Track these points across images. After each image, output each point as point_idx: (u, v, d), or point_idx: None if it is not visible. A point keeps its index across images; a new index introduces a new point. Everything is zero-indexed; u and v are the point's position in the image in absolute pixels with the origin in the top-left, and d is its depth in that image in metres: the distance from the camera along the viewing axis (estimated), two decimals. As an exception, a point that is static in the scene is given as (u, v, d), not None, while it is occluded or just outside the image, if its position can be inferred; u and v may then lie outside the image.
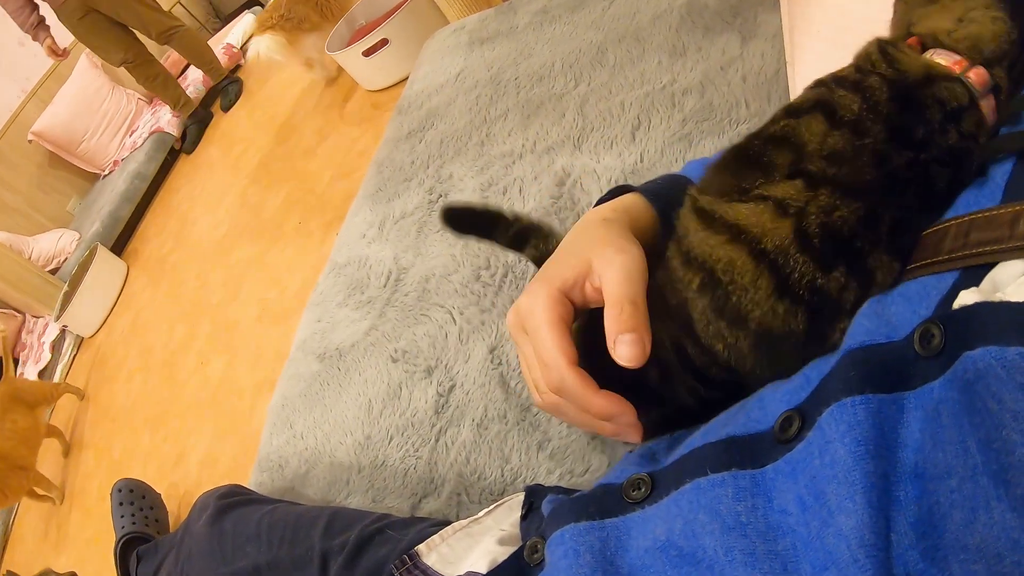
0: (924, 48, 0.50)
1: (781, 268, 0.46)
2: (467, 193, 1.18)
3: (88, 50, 4.36)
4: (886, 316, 0.43)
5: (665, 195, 0.69)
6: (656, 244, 0.63)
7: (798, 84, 1.04)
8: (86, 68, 4.70)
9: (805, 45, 1.05)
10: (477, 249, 1.07)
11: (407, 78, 1.80)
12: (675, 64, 1.24)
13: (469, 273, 1.05)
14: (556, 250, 0.64)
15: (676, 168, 1.04)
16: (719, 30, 1.27)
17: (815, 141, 0.48)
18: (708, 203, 0.52)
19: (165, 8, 5.49)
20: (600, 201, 0.71)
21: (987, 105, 0.48)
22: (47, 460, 2.92)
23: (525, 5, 1.62)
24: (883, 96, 0.48)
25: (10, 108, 4.65)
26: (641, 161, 1.07)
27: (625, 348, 0.49)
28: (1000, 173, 0.44)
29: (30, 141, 4.63)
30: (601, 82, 1.27)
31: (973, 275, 0.40)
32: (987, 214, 0.41)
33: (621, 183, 1.05)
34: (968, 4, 0.49)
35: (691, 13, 1.34)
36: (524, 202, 1.08)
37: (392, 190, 1.34)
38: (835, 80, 0.52)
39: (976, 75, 0.47)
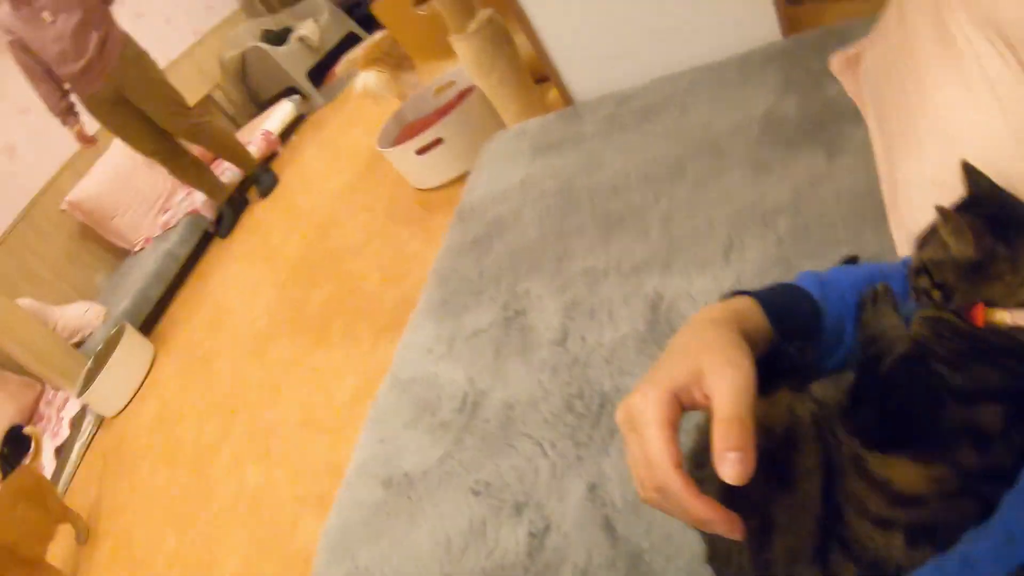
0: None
1: None
2: (548, 313, 1.14)
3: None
4: None
5: (780, 303, 0.69)
6: (766, 352, 0.66)
7: (901, 206, 1.01)
8: (121, 144, 4.77)
9: (908, 165, 1.02)
10: (568, 376, 1.02)
11: (458, 179, 1.79)
12: (760, 180, 1.22)
13: (560, 402, 1.00)
14: (668, 349, 0.64)
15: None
16: (802, 144, 1.26)
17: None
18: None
19: (204, 90, 5.62)
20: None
21: None
22: (61, 544, 2.81)
23: (591, 112, 1.61)
24: None
25: (46, 176, 4.69)
26: (739, 283, 1.03)
27: (729, 467, 0.50)
28: None
29: (63, 211, 4.65)
30: (683, 197, 1.25)
31: None
32: None
33: (712, 299, 1.01)
34: None
35: (770, 125, 1.32)
36: (616, 327, 1.04)
37: (460, 303, 1.30)
38: None
39: None
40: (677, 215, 1.22)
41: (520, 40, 2.33)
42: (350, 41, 6.16)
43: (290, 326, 3.01)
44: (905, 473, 0.56)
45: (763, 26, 1.61)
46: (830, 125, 1.27)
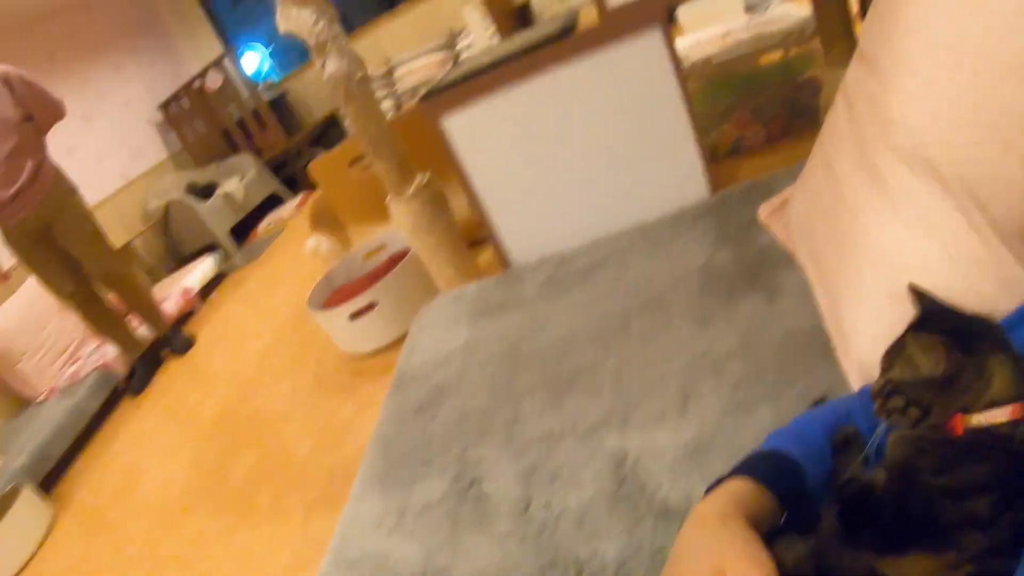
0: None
1: None
2: (506, 481, 1.07)
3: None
4: None
5: (775, 476, 0.71)
6: (775, 525, 0.68)
7: (848, 338, 1.02)
8: (35, 284, 4.54)
9: (850, 299, 1.03)
10: (536, 545, 0.94)
11: (391, 345, 1.74)
12: (706, 330, 1.22)
13: (533, 574, 0.91)
14: (680, 550, 0.65)
15: (742, 438, 0.98)
16: (741, 292, 1.27)
17: None
18: None
19: (127, 237, 5.48)
20: (709, 488, 0.72)
21: None
22: None
23: (530, 274, 1.62)
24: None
25: (-53, 315, 4.42)
26: (700, 433, 0.99)
27: None
28: None
29: (-37, 350, 4.34)
30: (632, 353, 1.23)
31: None
32: None
33: (685, 460, 0.97)
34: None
35: (709, 277, 1.35)
36: (581, 489, 0.98)
37: (407, 473, 1.22)
38: None
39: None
40: (628, 371, 1.20)
41: (454, 204, 2.39)
42: (273, 201, 6.24)
43: (210, 496, 2.76)
44: (920, 568, 0.60)
45: (692, 185, 1.70)
46: (766, 271, 1.30)
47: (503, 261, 1.85)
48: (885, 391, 0.73)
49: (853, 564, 0.62)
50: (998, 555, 0.59)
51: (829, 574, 0.62)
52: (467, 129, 1.74)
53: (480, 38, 2.24)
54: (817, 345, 1.08)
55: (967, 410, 0.67)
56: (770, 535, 0.64)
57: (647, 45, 1.62)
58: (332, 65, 2.06)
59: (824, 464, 0.74)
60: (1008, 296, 0.84)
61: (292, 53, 6.87)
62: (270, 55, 7.01)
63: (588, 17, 1.77)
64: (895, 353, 0.75)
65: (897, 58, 1.00)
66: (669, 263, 1.43)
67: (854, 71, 1.14)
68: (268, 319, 4.10)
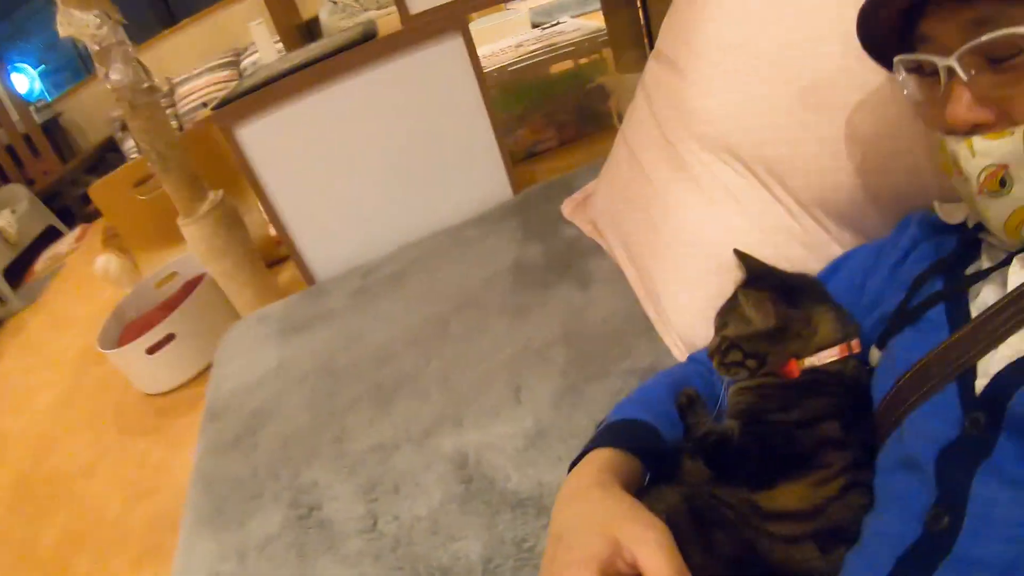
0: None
1: None
2: (346, 501, 1.00)
3: None
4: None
5: (635, 441, 0.73)
6: (641, 486, 0.72)
7: (667, 312, 1.08)
8: None
9: (665, 276, 1.09)
10: (394, 559, 0.89)
11: (197, 377, 1.61)
12: (525, 322, 1.23)
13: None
14: (558, 530, 0.64)
15: (578, 419, 0.98)
16: (554, 283, 1.30)
17: None
18: None
19: None
20: (572, 464, 0.73)
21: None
22: None
23: (337, 287, 1.56)
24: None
25: None
26: (537, 420, 1.00)
27: None
28: (936, 313, 0.67)
29: None
30: (455, 353, 1.22)
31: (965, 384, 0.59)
32: (954, 339, 0.62)
33: (528, 448, 0.97)
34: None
35: (521, 272, 1.36)
36: (429, 496, 0.94)
37: (238, 509, 1.11)
38: None
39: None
40: (453, 372, 1.18)
41: (250, 222, 2.25)
42: (50, 235, 5.52)
43: (20, 574, 2.42)
44: (793, 494, 0.64)
45: (496, 187, 1.71)
46: (575, 262, 1.34)
47: (307, 277, 1.76)
48: (723, 347, 0.78)
49: (729, 500, 0.65)
50: (862, 467, 0.65)
51: (705, 515, 0.64)
52: (263, 140, 1.64)
53: (267, 55, 2.12)
54: (636, 324, 1.12)
55: (799, 356, 0.75)
56: (638, 494, 0.66)
57: (449, 51, 1.62)
58: (117, 74, 1.87)
59: (674, 425, 0.77)
60: (815, 258, 0.92)
61: (66, 72, 6.13)
62: (41, 74, 6.24)
63: (388, 27, 1.74)
64: (727, 312, 0.81)
65: (696, 56, 1.07)
66: (480, 263, 1.44)
67: (652, 70, 1.21)
68: (56, 366, 3.61)
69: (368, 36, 1.68)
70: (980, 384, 0.58)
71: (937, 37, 0.66)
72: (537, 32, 3.20)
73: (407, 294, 1.43)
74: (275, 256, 2.84)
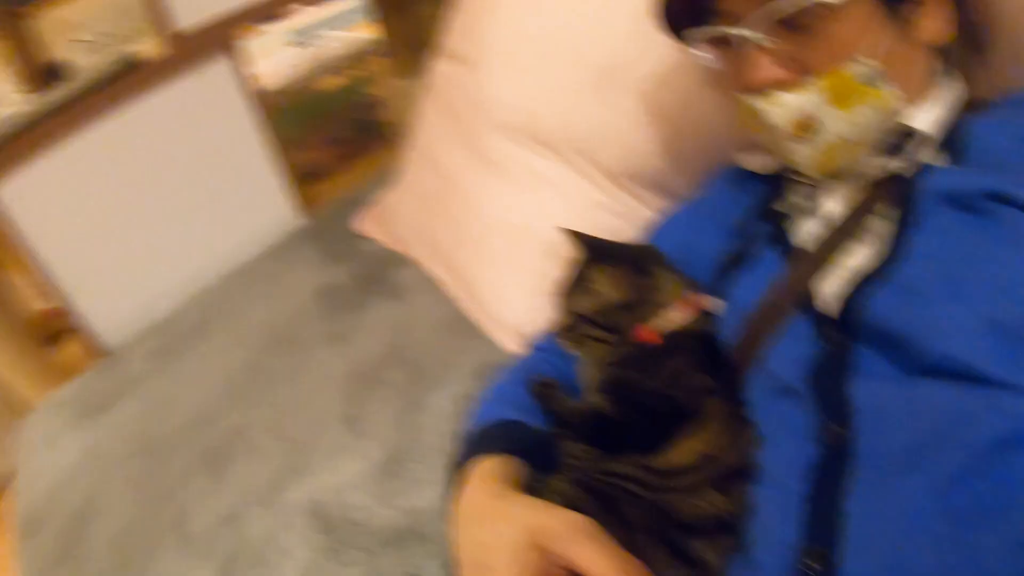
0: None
1: None
2: (204, 586, 0.93)
3: None
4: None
5: (506, 440, 0.72)
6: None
7: (491, 307, 1.09)
8: None
9: (483, 272, 1.10)
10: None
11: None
12: (345, 348, 1.20)
13: None
14: (475, 557, 0.60)
15: (428, 435, 0.97)
16: (366, 302, 1.28)
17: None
18: None
19: None
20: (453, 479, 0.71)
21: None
22: None
23: (133, 353, 1.42)
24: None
25: None
26: (385, 448, 0.98)
27: None
28: (764, 252, 0.73)
29: None
30: (280, 397, 1.16)
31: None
32: (788, 271, 0.68)
33: (384, 478, 0.95)
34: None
35: (329, 297, 1.32)
36: (294, 557, 0.89)
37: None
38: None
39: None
40: (283, 418, 1.12)
41: (11, 299, 1.98)
42: None
43: None
44: (684, 448, 0.65)
45: (282, 213, 1.63)
46: (383, 276, 1.31)
47: (97, 347, 1.59)
48: (576, 324, 0.78)
49: (623, 472, 0.64)
50: (737, 408, 0.68)
51: (607, 494, 0.63)
52: (24, 198, 1.41)
53: (2, 99, 1.83)
54: (463, 326, 1.12)
55: (651, 320, 0.76)
56: (529, 494, 0.65)
57: (217, 74, 1.51)
58: None
59: (537, 416, 0.76)
60: (632, 227, 0.95)
61: None
62: None
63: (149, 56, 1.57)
64: (574, 289, 0.80)
65: (491, 49, 1.07)
66: (284, 295, 1.37)
67: (441, 70, 1.20)
68: None
69: (128, 67, 1.52)
70: (825, 304, 0.63)
71: (729, 8, 0.70)
72: (299, 50, 3.04)
73: (213, 345, 1.33)
74: (51, 331, 2.52)
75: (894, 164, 0.68)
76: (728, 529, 0.61)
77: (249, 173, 1.63)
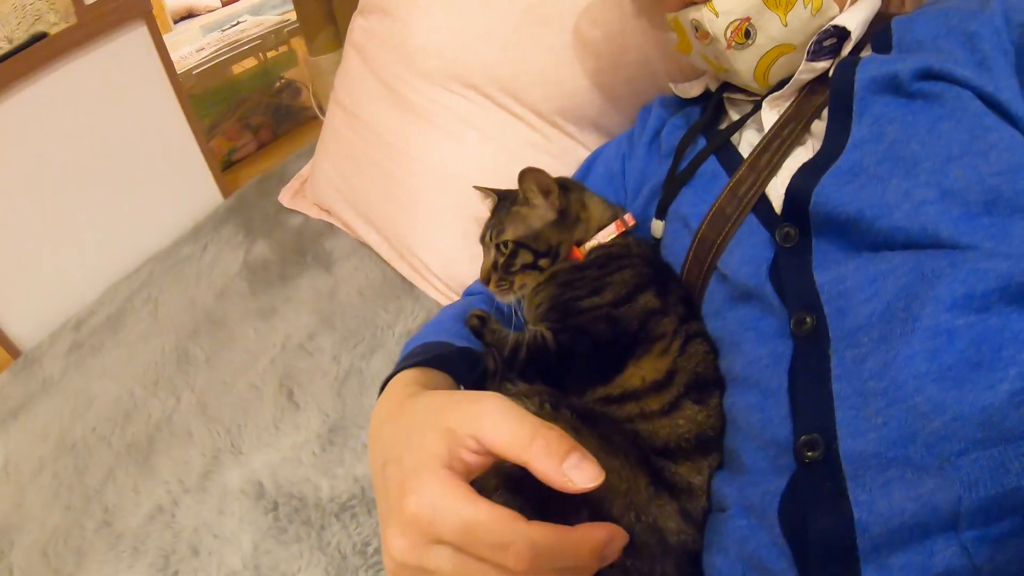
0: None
1: None
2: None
3: None
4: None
5: (433, 356, 0.66)
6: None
7: (426, 262, 1.02)
8: None
9: (416, 227, 1.03)
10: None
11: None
12: (275, 322, 1.11)
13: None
14: (383, 457, 0.49)
15: (370, 398, 0.90)
16: (295, 274, 1.19)
17: None
18: None
19: None
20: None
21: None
22: None
23: (47, 352, 1.30)
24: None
25: None
26: (326, 417, 0.89)
27: (582, 471, 0.39)
28: (709, 165, 0.72)
29: None
30: (207, 380, 1.06)
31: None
32: (738, 177, 0.67)
33: (329, 448, 0.86)
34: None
35: (255, 273, 1.23)
36: (237, 544, 0.79)
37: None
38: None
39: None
40: (211, 400, 1.02)
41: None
42: None
43: None
44: (644, 369, 0.61)
45: (204, 195, 1.51)
46: (310, 247, 1.22)
47: (9, 349, 1.45)
48: (509, 253, 0.73)
49: (585, 406, 0.59)
50: (690, 320, 0.65)
51: (587, 416, 0.57)
52: None
53: None
54: (395, 286, 1.05)
55: (581, 243, 0.73)
56: None
57: (133, 43, 1.37)
58: None
59: (472, 342, 0.72)
60: (565, 164, 0.91)
61: None
62: None
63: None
64: (499, 221, 0.76)
65: None
66: (205, 277, 1.26)
67: (361, 26, 1.13)
68: None
69: (36, 38, 1.34)
70: (776, 205, 0.62)
71: None
72: (216, 34, 2.86)
73: (131, 335, 1.22)
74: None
75: (825, 65, 0.68)
76: (710, 445, 0.57)
77: (168, 152, 1.49)
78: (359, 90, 1.12)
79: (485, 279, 0.77)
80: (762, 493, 0.49)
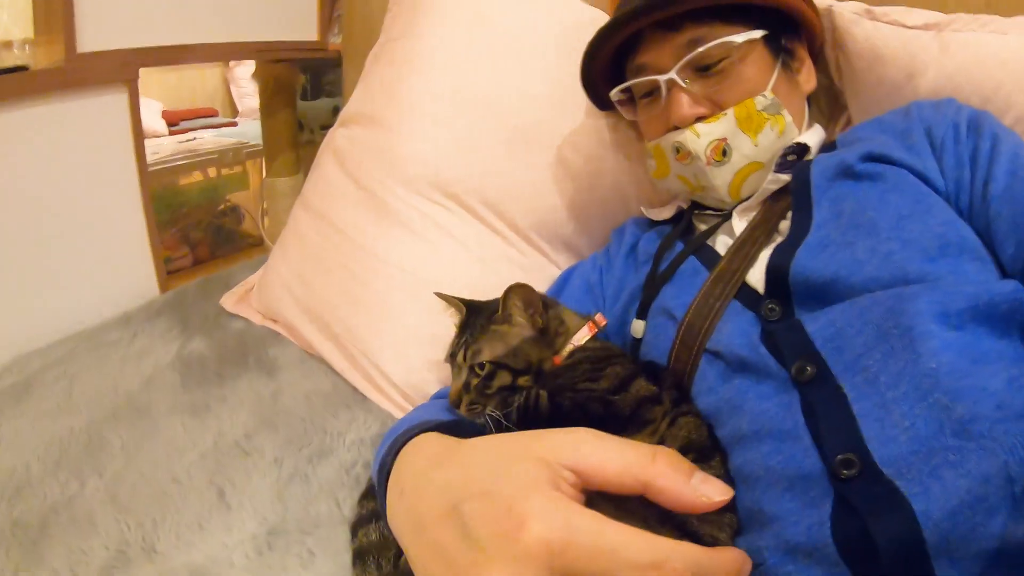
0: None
1: None
2: None
3: None
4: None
5: (443, 423, 0.62)
6: None
7: (387, 371, 0.99)
8: None
9: (381, 336, 1.01)
10: None
11: None
12: (209, 419, 1.02)
13: None
14: (435, 494, 0.42)
15: (316, 504, 0.82)
16: (235, 374, 1.12)
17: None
18: None
19: None
20: (382, 473, 0.57)
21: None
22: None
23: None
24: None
25: None
26: (265, 518, 0.81)
27: (709, 486, 0.37)
28: (688, 264, 0.79)
29: None
30: (121, 468, 0.94)
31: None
32: (719, 270, 0.73)
33: (265, 554, 0.77)
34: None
35: (189, 368, 1.15)
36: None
37: None
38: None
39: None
40: (123, 489, 0.90)
41: None
42: None
43: None
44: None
45: (141, 283, 1.41)
46: (253, 351, 1.16)
47: None
48: (486, 375, 0.69)
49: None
50: (680, 403, 0.67)
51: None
52: None
53: None
54: (346, 397, 1.02)
55: (560, 353, 0.74)
56: None
57: (111, 105, 1.32)
58: None
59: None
60: (536, 280, 0.93)
61: None
62: None
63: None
64: (474, 341, 0.73)
65: (405, 107, 1.05)
66: (132, 364, 1.16)
67: (341, 134, 1.15)
68: None
69: (18, 68, 1.28)
70: (759, 287, 0.69)
71: (652, 63, 0.83)
72: (174, 139, 2.82)
73: (37, 408, 1.08)
74: None
75: (787, 178, 0.79)
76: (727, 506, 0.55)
77: (115, 228, 1.39)
78: (334, 193, 1.13)
79: (456, 401, 0.72)
80: (806, 528, 0.49)
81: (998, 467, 0.43)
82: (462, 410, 0.72)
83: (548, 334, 0.73)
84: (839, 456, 0.50)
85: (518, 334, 0.72)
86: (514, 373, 0.70)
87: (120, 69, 1.37)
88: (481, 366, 0.70)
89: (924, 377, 0.50)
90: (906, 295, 0.56)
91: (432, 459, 0.49)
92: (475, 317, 0.76)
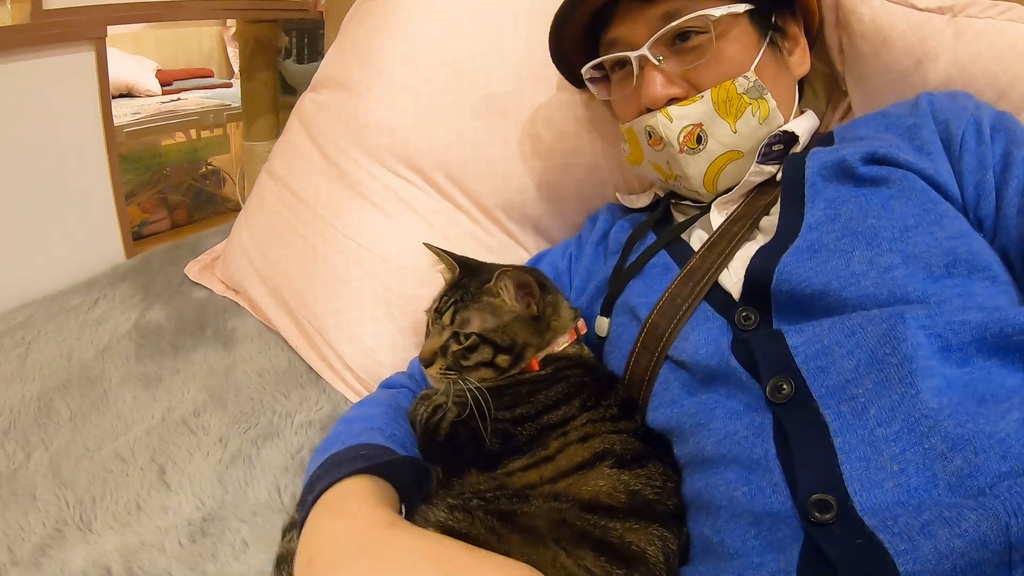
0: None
1: None
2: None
3: None
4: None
5: (383, 464, 0.57)
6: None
7: (343, 347, 0.92)
8: None
9: (338, 309, 0.94)
10: None
11: None
12: (159, 392, 0.96)
13: None
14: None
15: (257, 491, 0.77)
16: (190, 346, 1.05)
17: None
18: None
19: None
20: (309, 499, 0.54)
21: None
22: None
23: None
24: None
25: None
26: (202, 502, 0.75)
27: None
28: (659, 259, 0.70)
29: None
30: (66, 441, 0.88)
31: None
32: (690, 268, 0.64)
33: (199, 539, 0.71)
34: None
35: (145, 338, 1.08)
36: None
37: None
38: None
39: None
40: (66, 463, 0.84)
41: None
42: None
43: None
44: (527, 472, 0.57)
45: (107, 248, 1.33)
46: (211, 322, 1.10)
47: None
48: (467, 345, 0.64)
49: (498, 499, 0.53)
50: (624, 419, 0.61)
51: (499, 512, 0.51)
52: None
53: None
54: (300, 375, 0.95)
55: (540, 348, 0.66)
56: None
57: (77, 64, 1.21)
58: None
59: (409, 441, 0.64)
60: (501, 261, 0.86)
61: None
62: None
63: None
64: (465, 306, 0.67)
65: (375, 73, 0.97)
66: (89, 332, 1.09)
67: (311, 99, 1.07)
68: None
69: None
70: (733, 291, 0.60)
71: (625, 37, 0.71)
72: (157, 100, 2.68)
73: (-10, 374, 1.02)
74: None
75: (773, 170, 0.70)
76: (655, 512, 0.52)
77: (79, 192, 1.29)
78: (298, 162, 1.04)
79: (428, 361, 0.67)
80: (769, 574, 0.42)
81: (998, 530, 0.36)
82: (432, 371, 0.67)
83: (541, 321, 0.67)
84: (813, 496, 0.42)
85: (512, 311, 0.66)
86: (496, 350, 0.64)
87: (87, 26, 1.26)
88: (467, 336, 0.65)
89: (922, 417, 0.42)
90: (906, 319, 0.47)
91: (353, 542, 0.46)
92: (469, 278, 0.70)
